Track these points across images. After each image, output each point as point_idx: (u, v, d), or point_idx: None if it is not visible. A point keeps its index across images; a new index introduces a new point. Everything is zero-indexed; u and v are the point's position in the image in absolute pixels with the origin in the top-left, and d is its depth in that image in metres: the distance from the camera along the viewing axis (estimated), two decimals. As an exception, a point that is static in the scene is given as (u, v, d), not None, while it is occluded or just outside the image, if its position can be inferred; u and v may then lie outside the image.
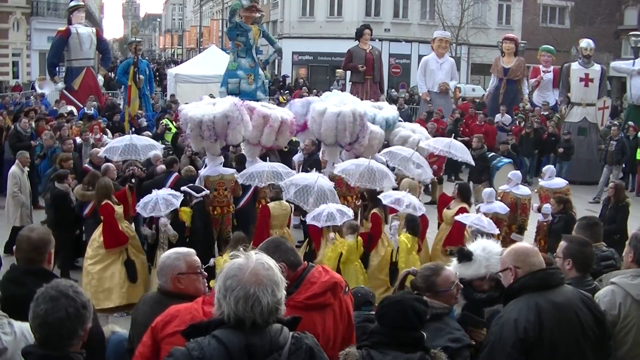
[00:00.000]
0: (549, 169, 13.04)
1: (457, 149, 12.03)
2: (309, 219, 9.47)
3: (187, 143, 13.74)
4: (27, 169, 12.09)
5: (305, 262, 4.23)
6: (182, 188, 10.15)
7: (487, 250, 4.87)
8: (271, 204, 10.13)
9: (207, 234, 10.29)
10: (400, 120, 14.45)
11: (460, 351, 4.02)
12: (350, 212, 9.37)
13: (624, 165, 18.79)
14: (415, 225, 9.59)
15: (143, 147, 11.24)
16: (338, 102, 12.61)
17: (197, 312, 3.68)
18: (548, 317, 3.86)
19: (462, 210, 10.11)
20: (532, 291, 3.98)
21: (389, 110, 14.14)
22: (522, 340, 3.84)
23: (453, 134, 14.30)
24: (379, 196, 9.96)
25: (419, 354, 3.70)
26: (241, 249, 3.20)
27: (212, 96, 17.23)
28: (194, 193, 10.15)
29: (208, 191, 10.42)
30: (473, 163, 13.16)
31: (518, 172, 12.58)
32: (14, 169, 11.89)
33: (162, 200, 9.33)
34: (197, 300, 3.84)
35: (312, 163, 12.44)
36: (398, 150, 11.90)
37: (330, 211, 9.11)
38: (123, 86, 22.72)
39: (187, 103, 21.21)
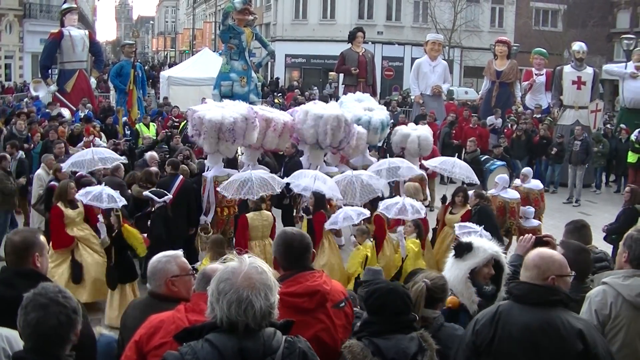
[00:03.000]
0: (530, 171, 13.16)
1: (462, 168, 11.90)
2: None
3: (182, 148, 13.77)
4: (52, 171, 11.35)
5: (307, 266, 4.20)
6: (144, 193, 9.97)
7: (480, 238, 4.97)
8: (250, 214, 9.84)
9: (170, 240, 9.74)
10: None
11: None
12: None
13: (586, 165, 18.82)
14: (422, 230, 9.75)
15: (109, 158, 10.89)
16: (325, 105, 12.85)
17: (182, 320, 3.64)
18: (504, 330, 3.80)
19: (468, 213, 10.18)
20: (512, 299, 3.93)
21: (382, 112, 14.20)
22: (473, 342, 3.88)
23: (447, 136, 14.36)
24: (380, 209, 9.86)
25: (416, 334, 3.87)
26: (235, 252, 3.19)
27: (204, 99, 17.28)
28: (155, 198, 9.85)
29: (171, 196, 10.05)
30: (478, 182, 12.73)
31: (505, 175, 12.57)
32: (39, 172, 11.46)
33: (106, 195, 8.93)
34: (178, 308, 3.79)
35: (292, 165, 12.47)
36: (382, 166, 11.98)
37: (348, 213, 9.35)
38: (118, 90, 22.61)
39: (176, 106, 21.51)
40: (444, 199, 11.35)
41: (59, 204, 9.62)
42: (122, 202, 9.21)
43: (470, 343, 3.89)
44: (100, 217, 9.22)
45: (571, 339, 3.69)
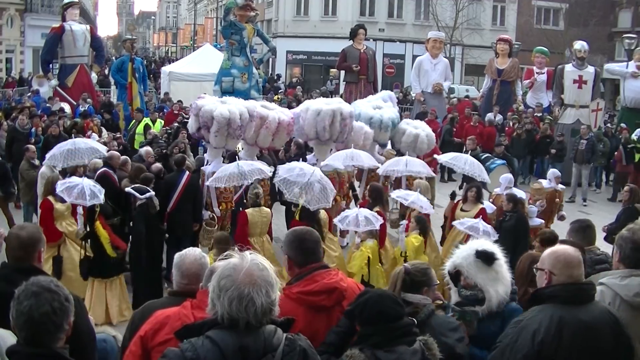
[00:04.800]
0: (558, 172, 13.11)
1: (473, 166, 11.80)
2: (342, 225, 9.38)
3: (177, 141, 13.74)
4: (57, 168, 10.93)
5: (321, 262, 4.19)
6: (126, 189, 9.86)
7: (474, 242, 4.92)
8: (249, 210, 9.69)
9: (151, 238, 9.72)
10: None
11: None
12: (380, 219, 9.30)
13: (591, 165, 18.80)
14: (425, 227, 9.58)
15: (87, 150, 10.47)
16: (324, 101, 12.96)
17: (187, 317, 3.62)
18: (569, 334, 3.69)
19: (482, 212, 10.10)
20: (560, 302, 3.80)
21: (391, 110, 14.18)
22: (537, 352, 3.69)
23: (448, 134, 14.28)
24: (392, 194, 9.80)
25: (418, 344, 3.73)
26: (236, 249, 3.18)
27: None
28: (137, 194, 9.62)
29: (153, 192, 9.80)
30: (488, 180, 12.44)
31: (509, 175, 12.42)
32: (43, 169, 11.02)
33: (88, 190, 8.71)
34: (184, 304, 3.77)
35: None
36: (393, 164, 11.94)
37: (365, 215, 9.01)
38: (118, 84, 22.65)
39: (180, 101, 21.53)
40: (452, 195, 11.22)
41: (50, 198, 9.53)
42: (102, 194, 8.97)
43: (531, 353, 3.70)
44: (80, 210, 9.07)
45: (621, 327, 3.82)
